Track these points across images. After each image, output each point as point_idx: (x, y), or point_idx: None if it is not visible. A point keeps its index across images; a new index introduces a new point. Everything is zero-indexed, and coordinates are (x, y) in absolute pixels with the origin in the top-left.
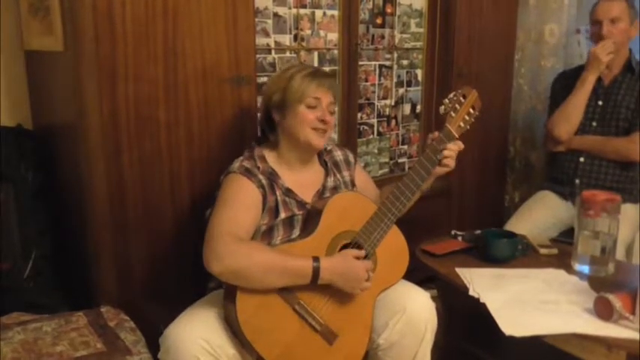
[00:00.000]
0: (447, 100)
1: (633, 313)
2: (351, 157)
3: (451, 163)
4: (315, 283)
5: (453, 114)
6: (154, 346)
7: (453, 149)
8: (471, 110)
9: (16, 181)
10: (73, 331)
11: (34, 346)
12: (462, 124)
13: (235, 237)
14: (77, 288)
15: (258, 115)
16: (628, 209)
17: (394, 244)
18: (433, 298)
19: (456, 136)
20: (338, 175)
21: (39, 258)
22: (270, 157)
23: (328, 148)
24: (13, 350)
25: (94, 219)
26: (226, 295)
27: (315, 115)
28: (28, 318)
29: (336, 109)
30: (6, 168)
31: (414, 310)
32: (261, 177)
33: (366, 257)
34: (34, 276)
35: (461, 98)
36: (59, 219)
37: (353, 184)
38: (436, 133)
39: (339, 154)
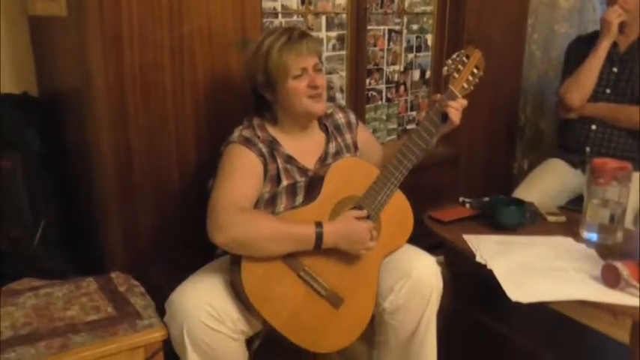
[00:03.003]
0: (449, 61)
1: None
2: (352, 118)
3: (456, 118)
4: (319, 248)
5: (456, 75)
6: (162, 311)
7: (454, 106)
8: (475, 70)
9: (23, 148)
10: (83, 296)
11: (45, 310)
12: (465, 85)
13: (237, 207)
14: (86, 254)
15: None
16: (638, 178)
17: (398, 208)
18: (440, 264)
19: (460, 97)
20: (339, 139)
21: (48, 224)
22: (270, 125)
23: (329, 111)
24: (26, 315)
25: (101, 185)
26: (232, 262)
27: (304, 83)
28: (39, 283)
29: (323, 67)
30: (12, 135)
31: (420, 274)
32: (261, 145)
33: (367, 216)
34: (44, 242)
35: (464, 59)
36: (67, 185)
37: (355, 147)
38: (438, 95)
39: (340, 117)
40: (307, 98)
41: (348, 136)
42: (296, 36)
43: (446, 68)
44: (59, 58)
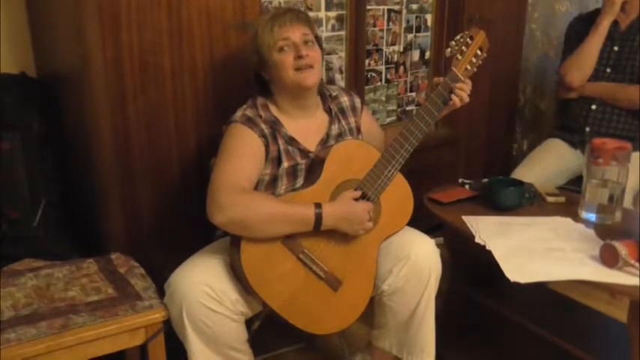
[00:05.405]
0: (453, 43)
1: (639, 260)
2: (357, 102)
3: (465, 98)
4: (319, 230)
5: (460, 57)
6: (162, 293)
7: (463, 88)
8: (479, 52)
9: (21, 129)
10: (84, 277)
11: (46, 291)
12: (468, 67)
13: (238, 188)
14: (86, 235)
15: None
16: (638, 158)
17: (398, 192)
18: (439, 245)
19: (462, 79)
20: (343, 122)
21: (48, 206)
22: (273, 106)
23: (334, 93)
24: (27, 295)
25: (101, 167)
26: (232, 243)
27: (290, 56)
28: (39, 264)
29: (320, 41)
30: (11, 116)
31: (419, 257)
32: (263, 126)
33: (367, 199)
34: (44, 224)
35: (468, 40)
36: (67, 166)
37: (359, 131)
38: (441, 78)
39: (345, 100)
40: (294, 71)
41: (352, 120)
42: (281, 11)
43: (449, 50)
44: (57, 38)
